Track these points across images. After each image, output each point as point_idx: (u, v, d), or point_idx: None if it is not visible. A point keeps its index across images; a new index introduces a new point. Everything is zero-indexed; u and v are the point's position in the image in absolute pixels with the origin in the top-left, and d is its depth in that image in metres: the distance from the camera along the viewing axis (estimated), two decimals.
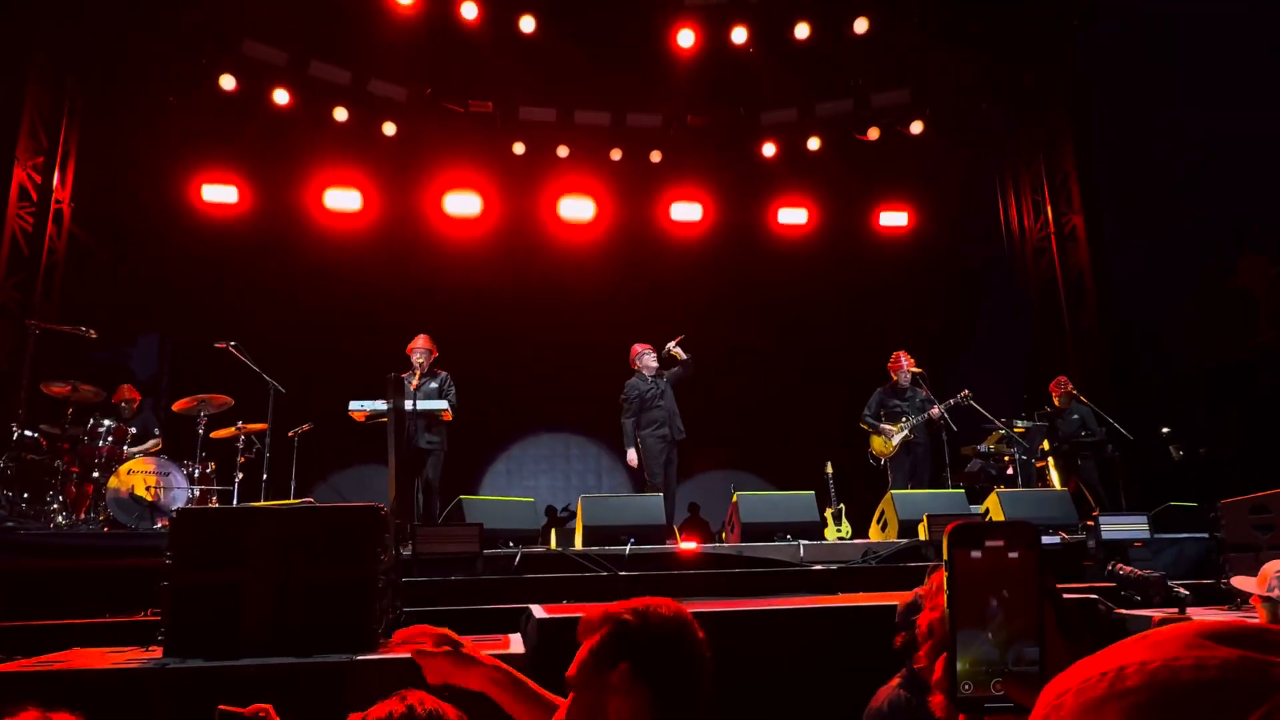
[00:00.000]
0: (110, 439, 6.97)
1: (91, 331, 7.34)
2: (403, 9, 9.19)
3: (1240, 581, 3.46)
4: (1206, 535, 5.66)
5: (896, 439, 8.04)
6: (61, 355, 8.73)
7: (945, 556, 0.72)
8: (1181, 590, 3.40)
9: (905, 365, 8.22)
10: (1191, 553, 6.03)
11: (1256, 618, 3.10)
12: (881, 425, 8.15)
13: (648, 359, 7.96)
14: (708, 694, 1.51)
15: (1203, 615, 3.50)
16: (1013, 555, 0.71)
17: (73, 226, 9.47)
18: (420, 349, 7.45)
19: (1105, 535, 5.74)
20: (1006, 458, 8.51)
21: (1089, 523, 6.04)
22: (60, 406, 7.17)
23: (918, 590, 2.03)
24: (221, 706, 1.64)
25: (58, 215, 9.21)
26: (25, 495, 6.64)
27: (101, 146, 9.74)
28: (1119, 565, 3.58)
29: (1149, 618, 3.86)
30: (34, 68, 8.84)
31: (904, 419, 8.07)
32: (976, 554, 0.71)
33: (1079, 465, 8.39)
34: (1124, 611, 4.08)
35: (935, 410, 7.91)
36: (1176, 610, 3.37)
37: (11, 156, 8.57)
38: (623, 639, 1.51)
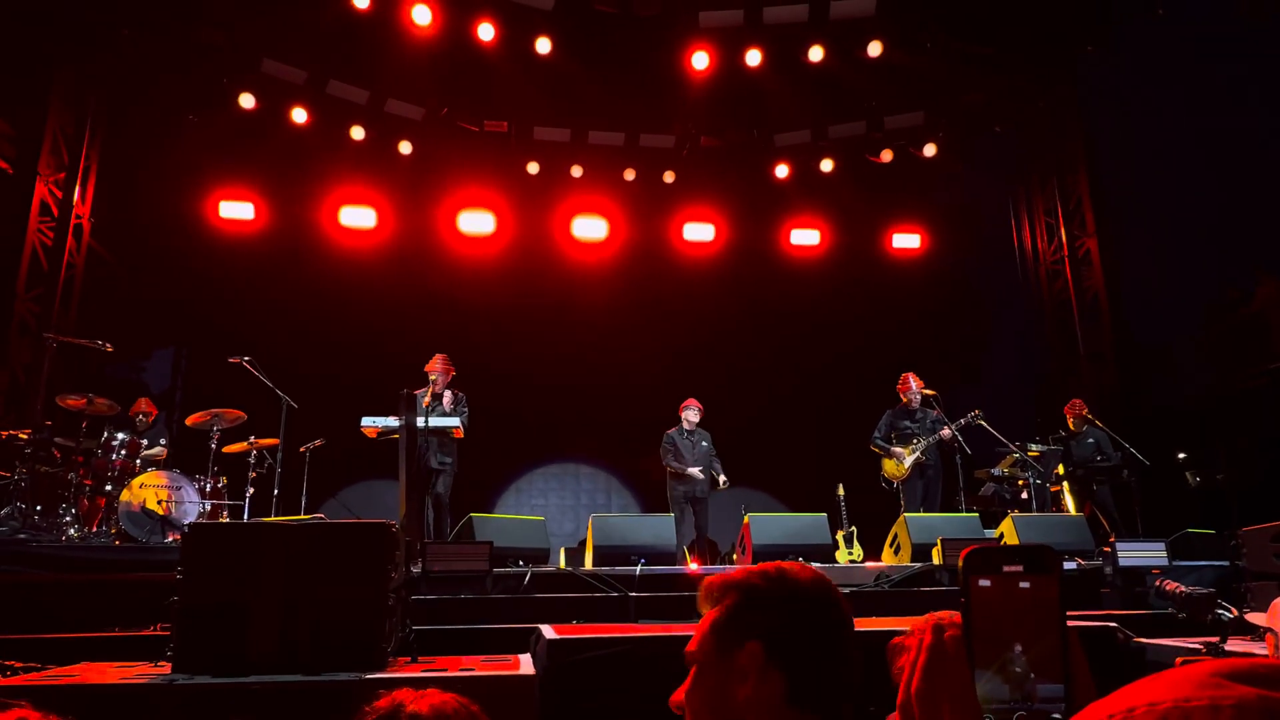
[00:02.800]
0: (123, 452, 7.00)
1: (108, 345, 7.40)
2: (420, 30, 9.30)
3: (1254, 617, 3.39)
4: (1226, 563, 5.57)
5: (908, 461, 7.97)
6: (77, 368, 8.81)
7: (961, 582, 0.69)
8: (1230, 613, 3.33)
9: (914, 386, 8.17)
10: (1210, 580, 5.93)
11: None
12: (892, 448, 8.09)
13: (688, 414, 8.31)
14: (855, 683, 1.25)
15: (1233, 646, 3.43)
16: (1033, 582, 0.68)
17: (92, 241, 9.58)
18: (437, 370, 7.49)
19: (1122, 562, 5.66)
20: (1021, 481, 8.43)
21: (1105, 549, 5.95)
22: (75, 419, 7.21)
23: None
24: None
25: (77, 230, 9.31)
26: (38, 508, 6.67)
27: (122, 163, 9.87)
28: (1165, 583, 3.51)
29: (1169, 647, 3.79)
30: (57, 85, 8.99)
31: (915, 441, 8.01)
32: (993, 581, 0.68)
33: (1094, 490, 8.29)
34: (1143, 640, 4.01)
35: (946, 431, 7.85)
36: (1217, 639, 3.29)
37: (34, 172, 8.69)
38: (753, 610, 1.25)
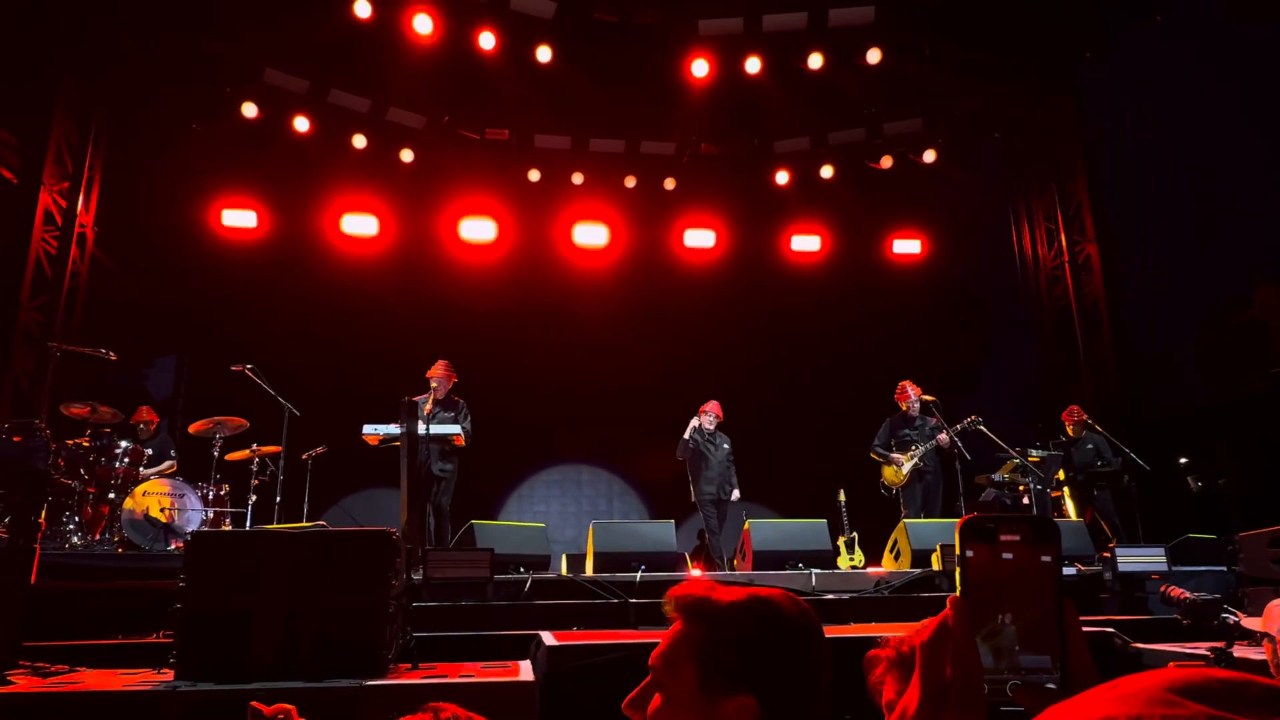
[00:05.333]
0: (126, 460, 7.02)
1: (111, 354, 7.42)
2: (421, 38, 9.35)
3: (1250, 622, 3.40)
4: (1225, 568, 5.58)
5: (907, 468, 8.00)
6: (81, 376, 8.85)
7: (958, 552, 0.68)
8: (1234, 617, 3.34)
9: (912, 394, 8.21)
10: (1211, 586, 5.94)
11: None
12: (891, 454, 8.13)
13: (705, 418, 8.28)
14: None
15: (1239, 651, 3.44)
16: (1029, 550, 0.67)
17: (95, 250, 9.62)
18: (439, 376, 7.53)
19: (1122, 567, 5.68)
20: (1021, 487, 8.43)
21: (1105, 554, 5.97)
22: (79, 427, 7.24)
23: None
24: (253, 704, 1.58)
25: (81, 239, 9.36)
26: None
27: (125, 172, 9.92)
28: (1170, 589, 3.52)
29: (1168, 653, 3.81)
30: (61, 95, 9.04)
31: (914, 447, 8.04)
32: (989, 549, 0.67)
33: (1095, 495, 8.30)
34: (1141, 646, 4.02)
35: (944, 436, 7.87)
36: (1224, 644, 3.30)
37: (38, 182, 8.74)
38: (749, 659, 1.14)
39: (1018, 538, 0.68)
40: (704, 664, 1.15)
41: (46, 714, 2.89)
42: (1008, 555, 0.67)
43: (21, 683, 3.15)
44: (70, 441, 6.77)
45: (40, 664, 3.51)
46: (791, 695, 1.14)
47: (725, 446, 8.30)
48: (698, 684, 1.14)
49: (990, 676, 0.65)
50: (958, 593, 0.67)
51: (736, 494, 8.23)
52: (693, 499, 8.20)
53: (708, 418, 8.31)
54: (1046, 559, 0.67)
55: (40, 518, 3.99)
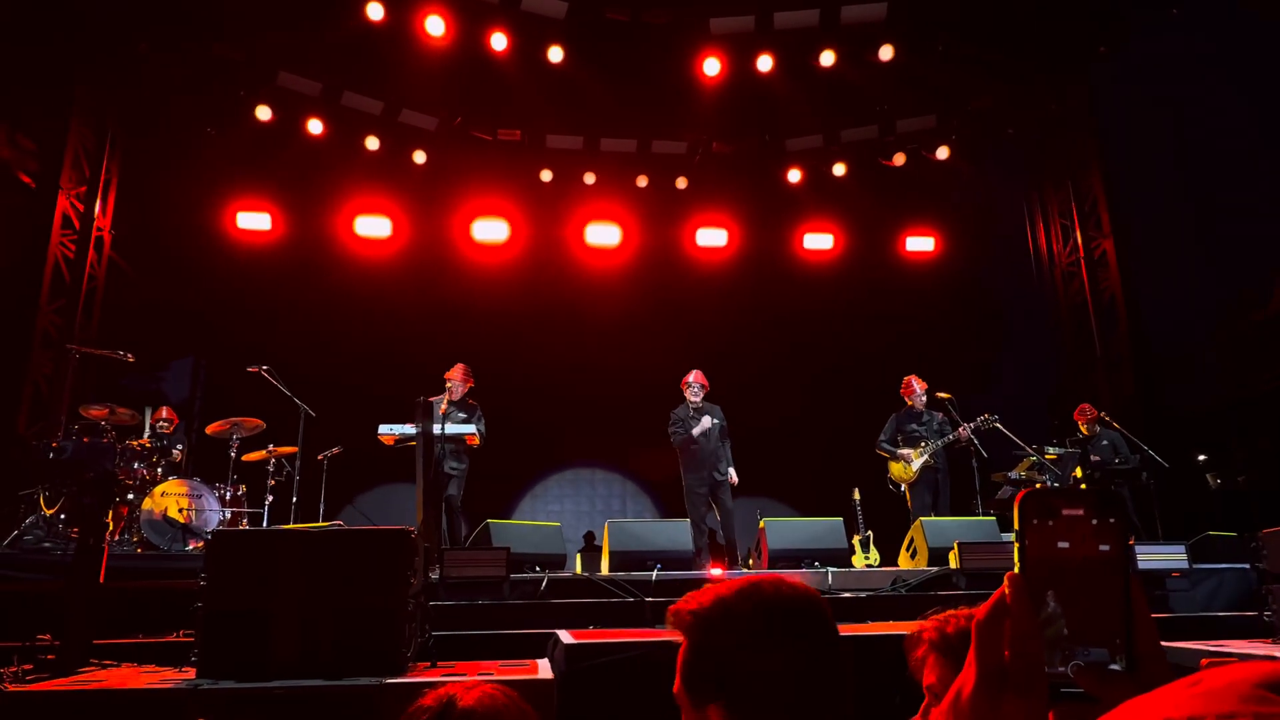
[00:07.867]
0: (146, 460, 7.08)
1: (129, 355, 7.49)
2: (434, 40, 9.38)
3: None
4: (1248, 566, 5.52)
5: (916, 464, 7.95)
6: (98, 378, 8.92)
7: (1017, 527, 0.65)
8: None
9: (918, 389, 8.19)
10: (1232, 583, 5.88)
11: None
12: (900, 451, 8.08)
13: (690, 390, 7.85)
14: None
15: (1246, 649, 3.40)
16: (1094, 527, 0.63)
17: (112, 253, 9.71)
18: (457, 379, 7.55)
19: (1142, 565, 5.63)
20: (1038, 484, 8.38)
21: None
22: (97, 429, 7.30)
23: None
24: None
25: (98, 243, 9.45)
26: (62, 516, 6.75)
27: (141, 175, 10.01)
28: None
29: (1191, 650, 3.77)
30: (78, 101, 9.13)
31: (923, 444, 7.99)
32: (1052, 524, 0.64)
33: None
34: (1164, 644, 3.98)
35: (963, 431, 7.82)
36: (1244, 643, 3.26)
37: (56, 186, 8.83)
38: (711, 656, 1.00)
39: (1081, 513, 0.64)
40: (683, 674, 1.03)
41: (70, 712, 2.91)
42: (1070, 531, 0.64)
43: (69, 680, 3.19)
44: (134, 443, 6.89)
45: (108, 661, 3.57)
46: (767, 694, 0.98)
47: (715, 421, 7.74)
48: (685, 698, 1.03)
49: (1053, 654, 0.62)
50: (1016, 569, 0.64)
51: (733, 473, 7.63)
52: (684, 485, 7.75)
53: (691, 390, 7.80)
54: (1112, 537, 0.64)
55: (108, 517, 4.08)
